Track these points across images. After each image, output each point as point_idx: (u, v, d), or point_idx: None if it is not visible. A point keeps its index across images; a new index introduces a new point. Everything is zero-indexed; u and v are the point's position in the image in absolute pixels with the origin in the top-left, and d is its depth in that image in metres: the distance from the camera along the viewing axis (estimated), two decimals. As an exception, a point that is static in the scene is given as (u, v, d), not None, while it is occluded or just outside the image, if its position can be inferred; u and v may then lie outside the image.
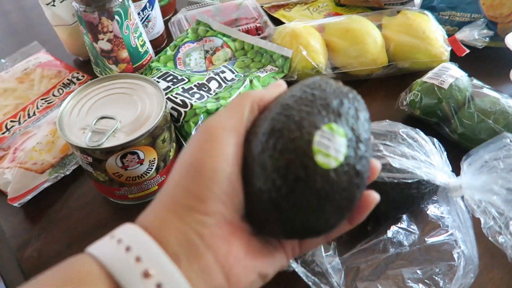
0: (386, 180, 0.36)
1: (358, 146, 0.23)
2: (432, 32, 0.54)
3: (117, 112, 0.40)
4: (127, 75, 0.44)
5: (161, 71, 0.52)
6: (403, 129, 0.38)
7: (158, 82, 0.49)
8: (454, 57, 0.55)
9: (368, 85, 0.57)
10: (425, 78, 0.49)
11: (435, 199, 0.41)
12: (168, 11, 0.72)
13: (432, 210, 0.41)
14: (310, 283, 0.35)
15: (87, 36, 0.52)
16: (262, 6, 0.70)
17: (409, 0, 0.65)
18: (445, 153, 0.39)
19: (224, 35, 0.58)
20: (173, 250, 0.21)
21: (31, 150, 0.46)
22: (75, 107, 0.40)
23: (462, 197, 0.35)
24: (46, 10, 0.58)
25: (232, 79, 0.52)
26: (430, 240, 0.39)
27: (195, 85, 0.50)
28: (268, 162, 0.22)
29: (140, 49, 0.55)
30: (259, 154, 0.23)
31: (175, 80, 0.51)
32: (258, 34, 0.63)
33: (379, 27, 0.57)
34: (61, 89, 0.56)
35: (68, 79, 0.57)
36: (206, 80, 0.51)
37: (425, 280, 0.36)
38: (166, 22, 0.67)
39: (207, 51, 0.57)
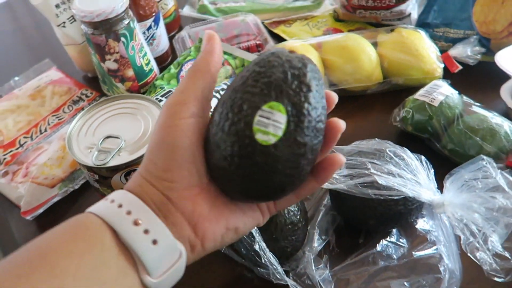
0: (373, 197, 0.38)
1: (300, 118, 0.25)
2: (424, 50, 0.56)
3: (121, 131, 0.42)
4: (131, 95, 0.46)
5: (164, 90, 0.55)
6: (391, 148, 0.40)
7: (161, 100, 0.52)
8: (447, 73, 0.57)
9: (364, 100, 0.59)
10: (416, 96, 0.51)
11: (424, 213, 0.43)
12: (173, 27, 0.75)
13: (421, 224, 0.43)
14: (301, 295, 0.37)
15: (95, 56, 0.55)
16: (263, 22, 0.72)
17: (405, 17, 0.67)
18: (432, 170, 0.40)
19: (225, 52, 0.61)
20: (152, 208, 0.26)
21: (43, 165, 0.49)
22: (83, 127, 0.43)
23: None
24: (57, 30, 0.61)
25: (232, 96, 0.55)
26: (417, 253, 0.41)
27: (196, 103, 0.53)
28: (219, 142, 0.26)
29: (145, 67, 0.58)
30: (213, 134, 0.27)
31: (177, 97, 0.53)
32: (259, 51, 0.65)
33: (375, 44, 0.59)
34: (71, 105, 0.59)
35: (77, 96, 0.60)
36: (207, 98, 0.54)
37: (412, 292, 0.38)
38: (171, 38, 0.70)
39: (209, 68, 0.60)
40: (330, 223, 0.44)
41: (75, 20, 0.60)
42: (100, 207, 0.26)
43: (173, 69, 0.59)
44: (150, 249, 0.25)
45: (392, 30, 0.60)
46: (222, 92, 0.55)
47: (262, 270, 0.38)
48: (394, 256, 0.41)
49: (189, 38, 0.67)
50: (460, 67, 0.57)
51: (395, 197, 0.38)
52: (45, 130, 0.55)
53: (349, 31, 0.68)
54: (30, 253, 0.24)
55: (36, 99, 0.59)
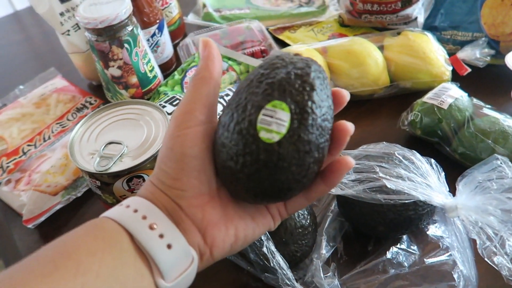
0: (383, 202, 0.36)
1: (304, 116, 0.25)
2: (432, 52, 0.55)
3: (124, 137, 0.42)
4: (133, 101, 0.46)
5: (168, 96, 0.54)
6: (399, 151, 0.39)
7: (164, 106, 0.51)
8: (456, 76, 0.56)
9: (370, 104, 0.58)
10: (425, 99, 0.50)
11: (436, 219, 0.41)
12: (177, 35, 0.75)
13: (433, 230, 0.41)
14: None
15: (98, 63, 0.55)
16: (267, 29, 0.72)
17: (411, 21, 0.66)
18: (443, 173, 0.39)
19: (229, 58, 0.60)
20: (165, 214, 0.27)
21: (46, 173, 0.49)
22: (85, 133, 0.43)
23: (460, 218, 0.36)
24: (62, 39, 0.61)
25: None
26: (429, 260, 0.39)
27: (200, 108, 0.52)
28: (225, 142, 0.26)
29: (149, 74, 0.57)
30: (219, 136, 0.27)
31: (181, 103, 0.53)
32: (263, 57, 0.64)
33: (381, 48, 0.58)
34: (75, 113, 0.58)
35: (81, 104, 0.60)
36: (212, 103, 0.53)
37: (424, 301, 0.36)
38: (175, 46, 0.70)
39: (213, 75, 0.59)
40: (338, 230, 0.43)
41: (79, 28, 0.60)
42: (115, 212, 0.27)
43: (177, 76, 0.59)
44: (165, 253, 0.25)
45: (398, 33, 0.59)
46: (226, 98, 0.54)
47: (270, 276, 0.36)
48: (405, 264, 0.40)
49: (194, 45, 0.66)
50: (469, 70, 0.56)
51: (406, 201, 0.36)
52: (49, 138, 0.55)
53: (354, 36, 0.68)
54: (52, 253, 0.24)
55: (41, 107, 0.59)
